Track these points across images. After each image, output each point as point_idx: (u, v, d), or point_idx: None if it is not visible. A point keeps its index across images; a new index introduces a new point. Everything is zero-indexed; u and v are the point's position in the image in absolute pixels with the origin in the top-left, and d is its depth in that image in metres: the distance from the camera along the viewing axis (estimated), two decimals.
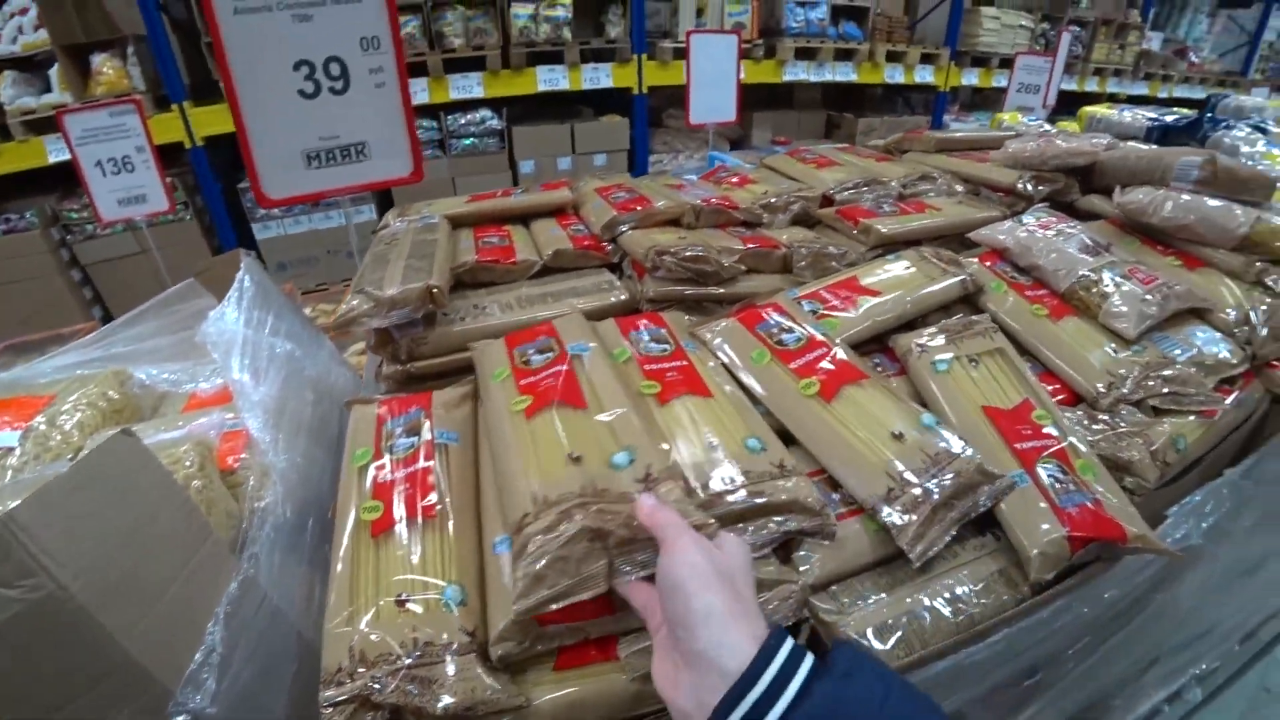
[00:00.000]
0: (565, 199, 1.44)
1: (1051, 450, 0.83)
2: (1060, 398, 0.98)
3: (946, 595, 0.72)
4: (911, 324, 1.10)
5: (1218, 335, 1.07)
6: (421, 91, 4.10)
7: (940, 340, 1.00)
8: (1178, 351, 1.02)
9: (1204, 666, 2.55)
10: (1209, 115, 1.62)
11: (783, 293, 1.12)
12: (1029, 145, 1.42)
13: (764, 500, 0.71)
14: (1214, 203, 1.19)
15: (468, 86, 4.18)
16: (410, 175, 1.67)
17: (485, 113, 4.33)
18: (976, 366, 0.97)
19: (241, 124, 1.47)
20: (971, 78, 5.47)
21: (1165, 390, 0.94)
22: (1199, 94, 6.35)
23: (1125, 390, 0.94)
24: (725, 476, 0.73)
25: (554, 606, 0.59)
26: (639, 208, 1.29)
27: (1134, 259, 1.16)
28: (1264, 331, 1.05)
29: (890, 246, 1.26)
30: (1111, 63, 6.03)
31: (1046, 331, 1.05)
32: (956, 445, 0.80)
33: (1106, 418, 0.93)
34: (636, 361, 0.92)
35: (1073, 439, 0.85)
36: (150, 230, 2.95)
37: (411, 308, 1.04)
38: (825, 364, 0.91)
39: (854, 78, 4.84)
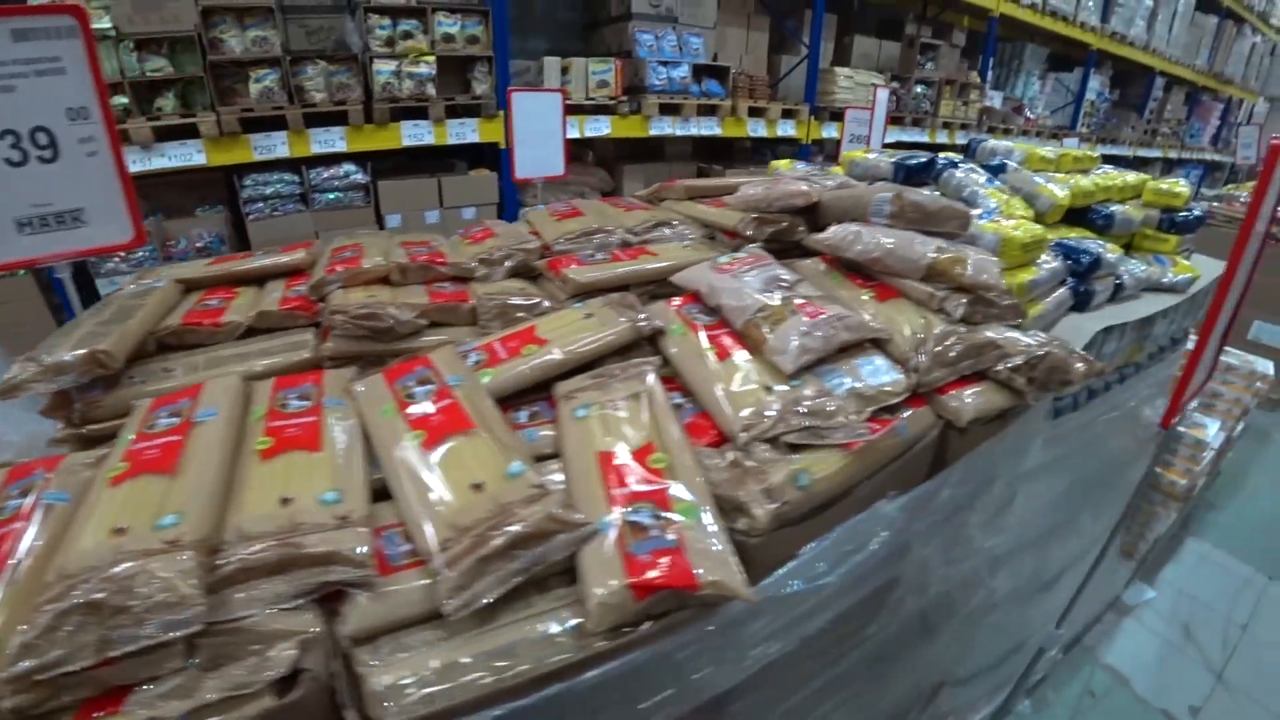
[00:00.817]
0: (299, 260, 1.41)
1: (651, 494, 0.78)
2: (711, 438, 0.94)
3: (499, 646, 0.66)
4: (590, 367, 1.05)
5: (887, 364, 1.05)
6: (281, 145, 3.99)
7: (589, 386, 0.97)
8: (840, 383, 0.99)
9: (1028, 677, 2.56)
10: (940, 157, 1.67)
11: (448, 345, 1.08)
12: (757, 189, 1.42)
13: (297, 552, 0.66)
14: (901, 236, 1.20)
15: (330, 141, 4.08)
16: (130, 241, 1.60)
17: (349, 167, 4.22)
18: (617, 411, 0.92)
19: None
20: (831, 130, 5.72)
21: (805, 425, 0.90)
22: (1034, 143, 6.85)
23: (763, 427, 0.90)
24: (270, 528, 0.69)
25: (43, 675, 0.57)
26: (348, 267, 1.26)
27: (821, 293, 1.14)
28: (924, 359, 1.04)
29: (592, 293, 1.22)
30: (957, 118, 6.43)
31: (711, 371, 1.01)
32: (536, 493, 0.73)
33: (741, 456, 0.88)
34: (266, 419, 0.89)
35: (681, 482, 0.80)
36: None
37: (78, 373, 1.00)
38: (440, 416, 0.86)
39: (719, 132, 4.97)
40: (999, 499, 1.39)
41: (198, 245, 4.05)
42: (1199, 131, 10.33)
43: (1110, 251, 1.65)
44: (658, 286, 1.29)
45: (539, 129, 2.72)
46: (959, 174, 1.61)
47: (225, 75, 3.89)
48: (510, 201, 4.49)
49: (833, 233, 1.22)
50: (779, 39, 5.67)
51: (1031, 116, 7.30)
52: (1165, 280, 1.84)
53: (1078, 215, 1.94)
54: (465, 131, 4.29)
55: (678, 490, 0.80)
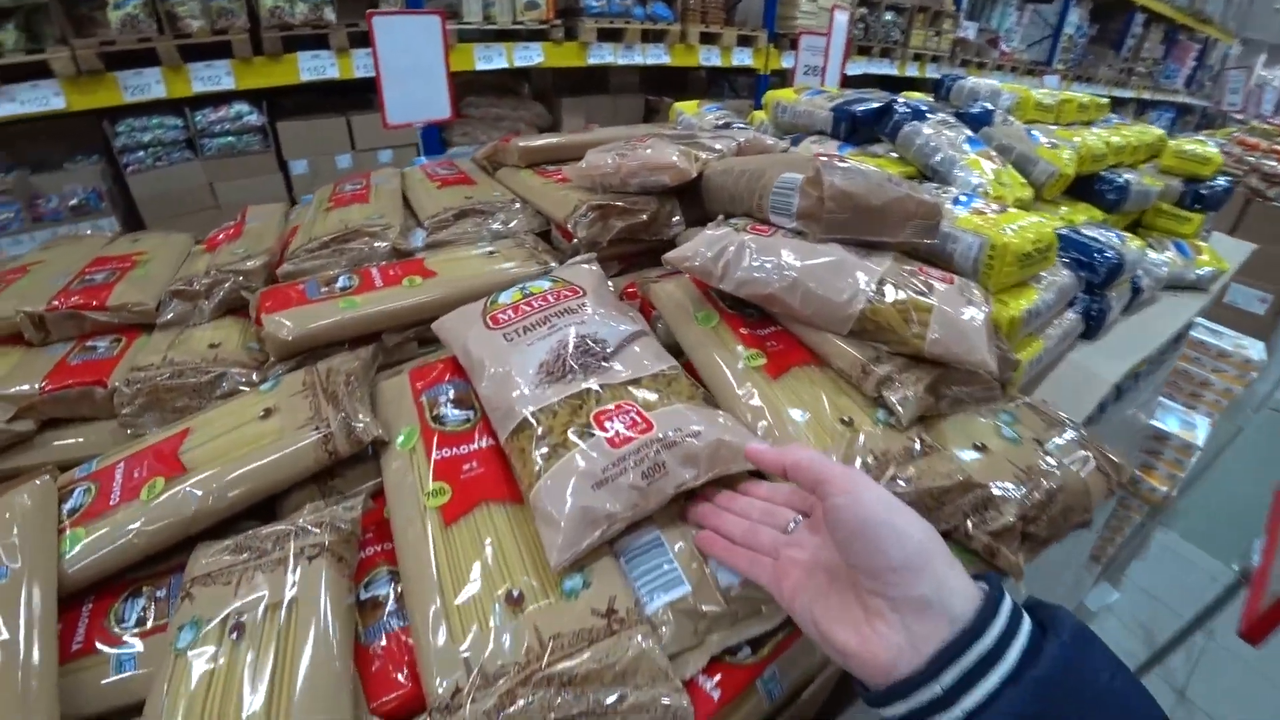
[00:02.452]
0: None
1: None
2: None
3: None
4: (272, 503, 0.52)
5: None
6: (156, 84, 3.26)
7: (222, 571, 0.45)
8: (659, 579, 0.47)
9: None
10: (899, 103, 1.09)
11: (38, 484, 0.54)
12: (608, 158, 0.85)
13: None
14: (817, 254, 0.65)
15: (214, 77, 3.34)
16: None
17: (241, 106, 3.49)
18: (239, 641, 0.40)
19: None
20: (791, 60, 5.00)
21: (553, 715, 0.38)
22: (1010, 80, 6.13)
23: (475, 710, 0.38)
24: None
25: None
26: None
27: (660, 371, 0.60)
28: None
29: (315, 352, 0.67)
30: (929, 49, 5.70)
31: (429, 546, 0.48)
32: None
33: None
34: None
35: None
36: None
37: None
38: None
39: (667, 60, 4.26)
40: None
41: (70, 204, 3.36)
42: (1174, 73, 9.53)
43: (1131, 243, 1.12)
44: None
45: (413, 63, 2.07)
46: (926, 130, 1.04)
47: (79, 2, 3.13)
48: (431, 142, 3.79)
49: (693, 247, 0.67)
50: None
51: (1007, 50, 6.52)
52: (1190, 276, 1.31)
53: (1078, 186, 1.38)
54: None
55: None
